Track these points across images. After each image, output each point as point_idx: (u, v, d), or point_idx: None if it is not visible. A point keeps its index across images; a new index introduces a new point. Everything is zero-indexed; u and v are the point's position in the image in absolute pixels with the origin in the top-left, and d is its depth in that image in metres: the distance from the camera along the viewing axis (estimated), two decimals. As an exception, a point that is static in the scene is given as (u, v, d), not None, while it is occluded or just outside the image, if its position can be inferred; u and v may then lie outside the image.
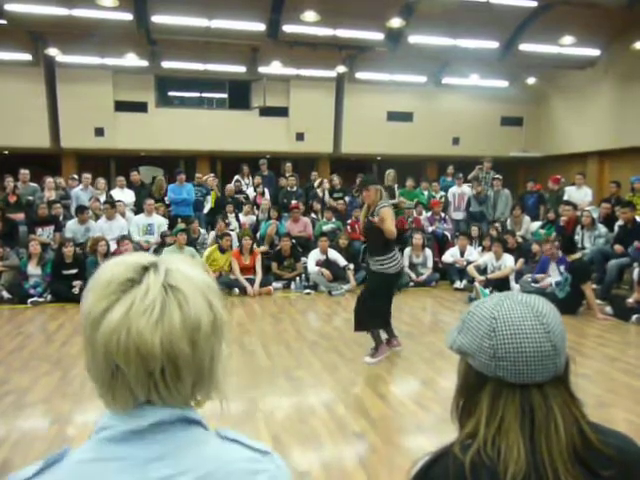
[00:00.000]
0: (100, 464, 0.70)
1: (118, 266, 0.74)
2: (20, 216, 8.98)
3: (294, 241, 9.02)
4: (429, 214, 10.31)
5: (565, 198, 9.74)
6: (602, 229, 8.30)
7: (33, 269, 7.93)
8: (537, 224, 9.91)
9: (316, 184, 11.38)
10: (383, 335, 5.13)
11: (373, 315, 4.95)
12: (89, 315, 0.71)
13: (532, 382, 0.89)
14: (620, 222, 8.22)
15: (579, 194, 9.93)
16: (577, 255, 7.02)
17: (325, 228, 9.50)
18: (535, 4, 10.74)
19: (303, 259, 8.82)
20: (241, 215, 10.01)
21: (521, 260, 8.40)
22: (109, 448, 0.71)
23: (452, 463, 0.88)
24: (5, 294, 7.62)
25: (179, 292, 0.72)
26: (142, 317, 0.69)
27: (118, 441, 0.71)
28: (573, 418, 0.89)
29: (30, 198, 9.40)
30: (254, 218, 10.10)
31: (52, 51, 12.00)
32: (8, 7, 9.75)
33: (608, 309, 6.90)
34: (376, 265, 4.88)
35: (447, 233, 10.07)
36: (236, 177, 11.37)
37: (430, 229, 10.03)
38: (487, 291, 7.57)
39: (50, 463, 0.73)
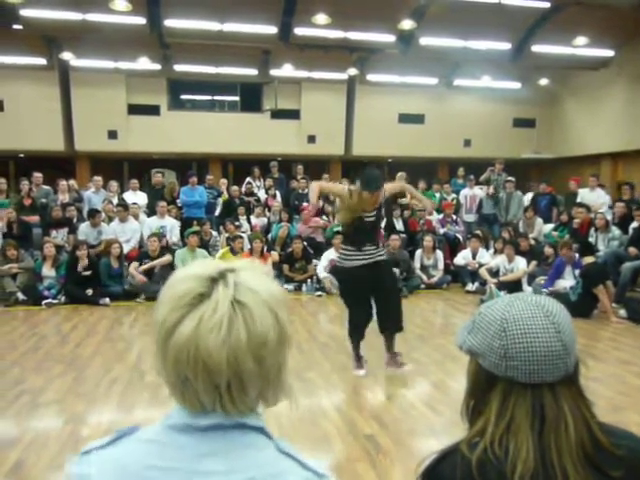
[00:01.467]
0: (160, 447, 0.75)
1: (190, 279, 0.76)
2: (35, 218, 9.09)
3: (305, 243, 9.04)
4: (441, 216, 10.28)
5: (578, 200, 9.66)
6: (616, 231, 8.21)
7: (47, 271, 8.02)
8: (550, 226, 9.85)
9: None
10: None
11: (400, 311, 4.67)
12: (162, 326, 0.75)
13: (543, 382, 0.89)
14: (635, 224, 8.14)
15: (592, 196, 9.85)
16: (590, 259, 6.97)
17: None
18: (548, 5, 10.68)
19: (315, 261, 8.82)
20: (252, 217, 10.05)
21: (533, 263, 8.34)
22: (171, 435, 0.76)
23: (459, 461, 0.88)
24: (20, 295, 7.70)
25: (246, 308, 0.74)
26: (210, 334, 0.71)
27: (180, 431, 0.76)
28: (583, 418, 0.89)
29: (44, 201, 9.51)
30: (265, 220, 10.14)
31: (66, 55, 12.13)
32: (24, 12, 9.89)
33: (622, 312, 6.84)
34: (381, 254, 4.58)
35: (459, 235, 10.03)
36: (247, 179, 11.42)
37: (442, 231, 10.00)
38: (502, 293, 7.53)
39: (121, 435, 0.80)
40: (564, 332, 0.90)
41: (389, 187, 4.62)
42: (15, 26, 10.35)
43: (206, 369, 0.72)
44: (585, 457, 0.86)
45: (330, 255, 8.50)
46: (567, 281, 7.47)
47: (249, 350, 0.73)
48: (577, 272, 7.31)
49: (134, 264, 8.27)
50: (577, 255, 7.44)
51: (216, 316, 0.72)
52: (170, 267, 8.10)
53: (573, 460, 0.85)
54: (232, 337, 0.72)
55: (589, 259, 6.95)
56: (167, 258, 8.25)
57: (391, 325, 4.64)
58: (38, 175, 9.79)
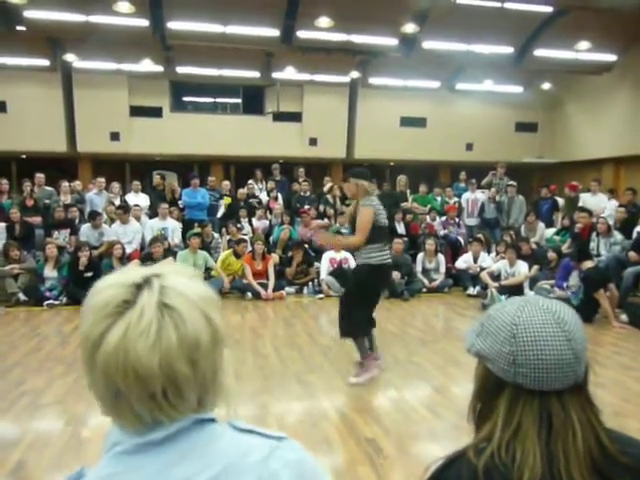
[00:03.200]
0: (119, 478, 0.70)
1: (113, 287, 0.73)
2: (37, 219, 9.09)
3: (306, 246, 9.04)
4: (443, 218, 10.29)
5: (580, 205, 9.65)
6: (618, 236, 8.21)
7: (49, 272, 8.03)
8: (552, 230, 9.84)
9: (326, 189, 11.42)
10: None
11: (354, 319, 4.39)
12: (88, 338, 0.71)
13: (551, 389, 0.88)
14: (639, 228, 8.15)
15: (594, 201, 9.84)
16: (590, 263, 6.96)
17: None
18: (550, 9, 10.69)
19: (316, 264, 8.82)
20: (254, 219, 10.06)
21: (535, 267, 8.33)
22: (125, 461, 0.71)
23: (465, 467, 0.87)
24: (22, 296, 7.71)
25: (174, 311, 0.71)
26: (139, 340, 0.69)
27: (133, 453, 0.71)
28: (591, 426, 0.88)
29: (47, 202, 9.52)
30: (267, 222, 10.15)
31: (69, 57, 12.17)
32: (27, 14, 9.92)
33: (624, 317, 6.83)
34: (360, 258, 4.42)
35: (460, 238, 10.03)
36: (249, 182, 11.43)
37: (442, 232, 10.01)
38: (503, 297, 7.51)
39: None
40: (575, 340, 0.89)
41: (360, 211, 4.34)
42: (18, 27, 10.38)
43: (138, 377, 0.69)
44: (592, 465, 0.85)
45: (330, 255, 8.50)
46: (572, 286, 7.45)
47: (181, 353, 0.70)
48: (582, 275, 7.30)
49: (135, 262, 8.27)
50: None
51: (143, 321, 0.69)
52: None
53: (580, 468, 0.84)
54: (162, 341, 0.69)
55: (588, 264, 6.93)
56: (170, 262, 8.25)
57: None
58: (40, 176, 9.81)
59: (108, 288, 0.73)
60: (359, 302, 4.37)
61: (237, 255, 8.51)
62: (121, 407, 0.71)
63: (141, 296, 0.71)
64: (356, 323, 4.37)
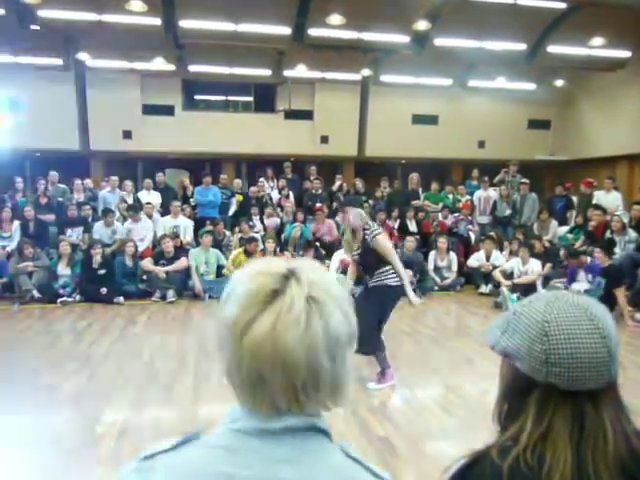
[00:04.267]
0: (230, 453, 0.72)
1: (262, 276, 0.75)
2: (51, 217, 9.18)
3: (317, 244, 9.03)
4: (456, 214, 10.25)
5: (594, 202, 9.57)
6: (632, 234, 8.13)
7: (63, 269, 8.10)
8: (565, 228, 9.76)
9: (335, 187, 11.42)
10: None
11: (373, 338, 4.47)
12: (235, 324, 0.72)
13: (584, 389, 0.84)
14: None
15: (608, 198, 9.75)
16: (610, 261, 6.96)
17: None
18: (564, 5, 10.59)
19: (327, 262, 8.81)
20: (265, 218, 10.07)
21: (548, 265, 8.27)
22: (241, 439, 0.73)
23: (489, 468, 0.84)
24: (35, 293, 7.79)
25: (320, 305, 0.72)
26: (289, 330, 0.70)
27: (251, 435, 0.73)
28: (622, 428, 0.85)
29: (60, 199, 9.60)
30: (277, 220, 10.15)
31: (82, 55, 12.23)
32: (41, 13, 9.99)
33: (638, 315, 6.77)
34: (376, 279, 4.47)
35: (472, 234, 9.98)
36: (260, 179, 11.45)
37: (453, 228, 9.98)
38: (514, 296, 7.47)
39: (185, 440, 0.76)
40: (609, 337, 0.85)
41: (376, 241, 4.43)
42: (32, 26, 10.46)
43: (285, 366, 0.70)
44: (622, 468, 0.82)
45: (341, 255, 8.49)
46: (581, 284, 7.41)
47: (325, 347, 0.72)
48: (590, 276, 7.27)
49: (148, 259, 8.32)
50: (589, 258, 7.40)
51: (294, 312, 0.71)
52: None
53: (610, 472, 0.81)
54: (310, 334, 0.71)
55: (604, 258, 6.92)
56: (183, 262, 8.27)
57: None
58: (53, 174, 9.90)
59: (259, 276, 0.75)
60: (374, 320, 4.41)
61: (248, 253, 8.53)
62: (260, 394, 0.73)
63: (290, 287, 0.73)
64: (376, 340, 4.44)
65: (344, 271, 8.08)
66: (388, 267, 4.42)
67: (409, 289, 4.55)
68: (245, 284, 0.74)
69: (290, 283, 0.73)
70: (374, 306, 4.41)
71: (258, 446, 0.72)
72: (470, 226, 10.15)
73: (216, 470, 0.71)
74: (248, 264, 0.79)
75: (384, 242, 4.49)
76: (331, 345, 0.72)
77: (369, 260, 4.49)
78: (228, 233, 9.60)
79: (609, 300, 6.67)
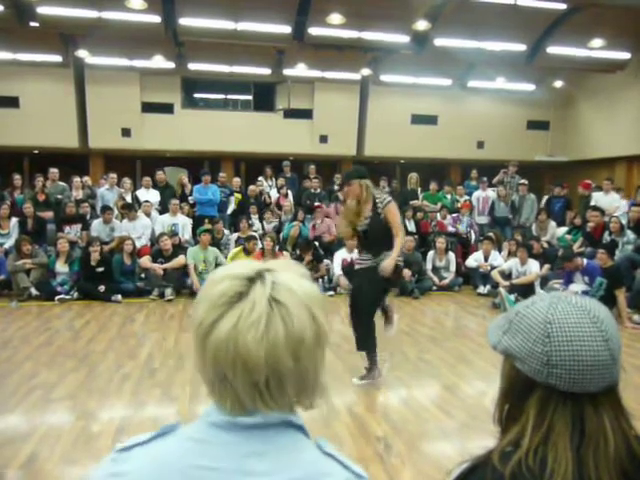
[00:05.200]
0: (204, 445, 0.75)
1: (229, 279, 0.77)
2: (49, 214, 9.16)
3: (316, 243, 9.03)
4: (455, 215, 10.25)
5: (592, 204, 9.58)
6: (631, 235, 8.13)
7: (61, 267, 8.08)
8: (563, 229, 9.77)
9: (336, 187, 11.41)
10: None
11: (370, 333, 4.45)
12: (200, 325, 0.76)
13: (585, 391, 0.84)
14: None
15: (607, 200, 9.76)
16: (612, 262, 6.98)
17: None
18: (564, 6, 10.59)
19: (326, 261, 8.81)
20: (264, 222, 10.06)
21: (547, 266, 8.28)
22: (214, 433, 0.76)
23: (490, 474, 0.83)
24: (33, 291, 7.77)
25: (283, 307, 0.74)
26: (249, 331, 0.72)
27: (222, 428, 0.75)
28: (622, 432, 0.85)
29: (59, 197, 9.58)
30: (276, 221, 10.16)
31: (82, 53, 12.21)
32: (40, 10, 9.96)
33: (636, 317, 6.78)
34: (372, 260, 4.35)
35: (473, 234, 9.98)
36: (259, 178, 11.45)
37: (452, 229, 9.97)
38: (512, 297, 7.48)
39: (162, 433, 0.79)
40: (612, 340, 0.85)
41: (388, 209, 4.32)
42: (32, 23, 10.43)
43: (245, 366, 0.73)
44: (622, 473, 0.82)
45: (342, 254, 8.50)
46: (579, 285, 7.42)
47: (287, 348, 0.74)
48: (587, 278, 7.28)
49: (146, 257, 8.32)
50: (585, 260, 7.41)
51: (254, 314, 0.73)
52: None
53: (611, 476, 0.81)
54: (270, 334, 0.73)
55: (606, 260, 6.94)
56: (181, 260, 8.27)
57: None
58: (54, 171, 9.86)
59: (225, 279, 0.77)
60: (372, 304, 4.40)
61: (247, 252, 8.53)
62: (226, 391, 0.76)
63: (254, 289, 0.75)
64: (372, 337, 4.43)
65: (346, 270, 8.11)
66: (388, 250, 4.29)
67: (391, 256, 4.28)
68: (213, 287, 0.77)
69: (255, 285, 0.76)
70: (375, 286, 4.33)
71: (229, 439, 0.75)
72: (468, 228, 10.13)
73: (189, 462, 0.74)
74: (224, 267, 0.82)
75: (395, 210, 4.40)
76: (294, 345, 0.74)
77: (377, 232, 4.33)
78: (227, 232, 9.60)
79: (610, 301, 6.69)
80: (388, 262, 4.25)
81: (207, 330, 0.75)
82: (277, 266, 0.80)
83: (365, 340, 4.45)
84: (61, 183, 9.94)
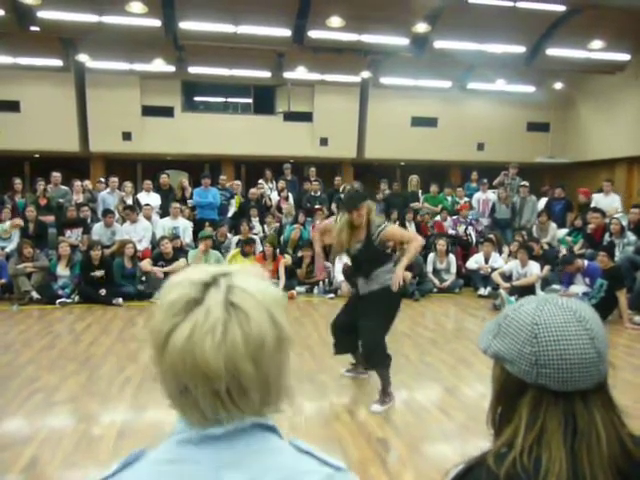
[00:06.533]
0: (175, 466, 0.72)
1: (182, 286, 0.74)
2: (50, 218, 9.17)
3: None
4: (455, 217, 10.25)
5: (592, 205, 9.58)
6: (631, 237, 8.14)
7: (62, 270, 8.09)
8: (564, 231, 9.77)
9: (341, 189, 11.42)
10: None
11: (384, 350, 4.07)
12: (157, 336, 0.73)
13: (575, 390, 0.86)
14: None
15: (607, 201, 9.76)
16: (612, 263, 6.99)
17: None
18: (563, 8, 10.61)
19: (326, 263, 8.81)
20: (266, 227, 10.07)
21: (547, 267, 8.28)
22: (185, 450, 0.73)
23: (485, 476, 0.84)
24: (35, 294, 7.78)
25: (240, 311, 0.72)
26: (205, 339, 0.70)
27: (194, 444, 0.73)
28: (614, 429, 0.86)
29: (61, 201, 9.60)
30: (277, 225, 10.17)
31: (82, 57, 12.25)
32: (41, 14, 10.00)
33: (637, 318, 6.78)
34: (381, 280, 4.07)
35: (473, 235, 9.97)
36: (259, 181, 11.46)
37: (452, 231, 9.97)
38: (513, 299, 7.48)
39: (128, 462, 0.76)
40: (597, 339, 0.87)
41: (388, 234, 4.10)
42: (32, 28, 10.47)
43: (204, 375, 0.70)
44: (617, 471, 0.83)
45: (343, 259, 8.49)
46: (579, 287, 7.43)
47: (246, 353, 0.71)
48: (587, 280, 7.29)
49: (147, 260, 8.32)
50: (586, 262, 7.42)
51: (210, 320, 0.70)
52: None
53: (605, 474, 0.82)
54: (228, 340, 0.70)
55: (607, 261, 6.94)
56: (182, 263, 8.27)
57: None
58: (57, 175, 9.87)
59: (179, 286, 0.74)
60: (386, 325, 4.10)
61: (245, 254, 8.53)
62: (187, 402, 0.73)
63: (208, 295, 0.72)
64: (385, 353, 4.06)
65: (344, 272, 8.10)
66: (385, 266, 4.09)
67: (401, 264, 4.05)
68: (168, 294, 0.74)
69: (210, 291, 0.73)
70: (387, 310, 4.05)
71: (201, 455, 0.72)
72: (471, 227, 10.11)
73: None
74: (180, 273, 0.78)
75: (396, 229, 4.36)
76: (254, 350, 0.71)
77: (367, 257, 4.06)
78: (229, 235, 9.61)
79: (611, 302, 6.69)
80: (398, 273, 3.99)
81: (163, 342, 0.72)
82: (234, 269, 0.77)
83: (380, 356, 4.05)
84: (63, 187, 9.96)
